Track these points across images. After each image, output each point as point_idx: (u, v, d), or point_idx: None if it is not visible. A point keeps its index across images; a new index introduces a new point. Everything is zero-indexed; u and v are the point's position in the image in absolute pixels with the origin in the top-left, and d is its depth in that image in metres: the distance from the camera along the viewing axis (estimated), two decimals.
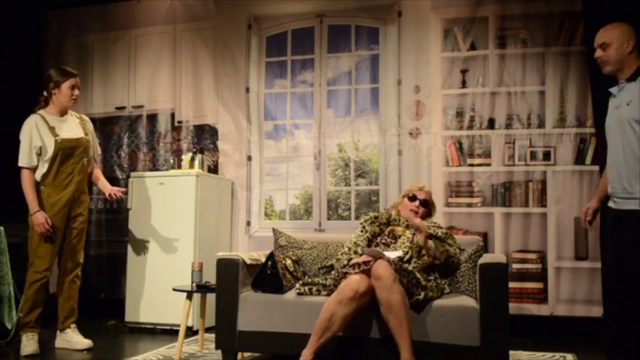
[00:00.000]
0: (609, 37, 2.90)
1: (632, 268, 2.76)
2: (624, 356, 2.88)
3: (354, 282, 2.89)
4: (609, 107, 2.99)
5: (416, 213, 3.42)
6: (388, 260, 2.94)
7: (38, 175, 3.83)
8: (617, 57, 2.88)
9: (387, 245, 3.34)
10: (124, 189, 4.22)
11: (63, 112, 3.94)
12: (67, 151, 3.84)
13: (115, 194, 4.08)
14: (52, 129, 3.83)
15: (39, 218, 3.73)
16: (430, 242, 3.23)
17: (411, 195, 3.51)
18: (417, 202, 3.46)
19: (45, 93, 3.92)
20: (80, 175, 3.91)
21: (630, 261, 2.77)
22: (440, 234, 3.34)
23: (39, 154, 3.80)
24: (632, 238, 2.75)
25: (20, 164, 3.80)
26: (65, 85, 3.87)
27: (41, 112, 3.90)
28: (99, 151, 4.28)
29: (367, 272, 2.92)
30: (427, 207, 3.50)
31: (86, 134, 3.99)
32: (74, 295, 3.95)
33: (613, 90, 2.97)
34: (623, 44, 2.87)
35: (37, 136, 3.80)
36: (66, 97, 3.88)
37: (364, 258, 3.07)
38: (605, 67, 2.96)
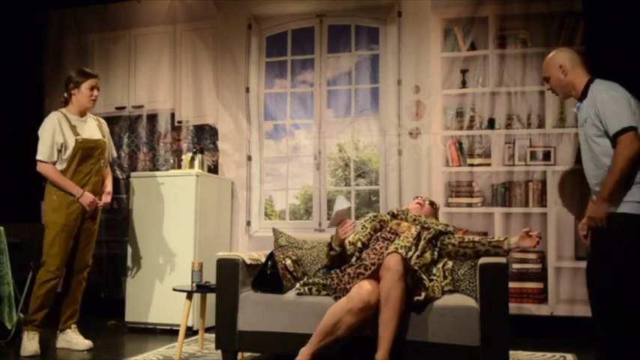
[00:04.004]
0: (547, 71, 3.12)
1: (610, 268, 2.87)
2: (606, 352, 2.95)
3: (366, 293, 2.84)
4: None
5: (421, 205, 3.68)
6: (402, 256, 2.91)
7: None
8: (558, 85, 3.09)
9: (387, 240, 3.36)
10: (105, 202, 4.03)
11: (82, 113, 3.96)
12: (86, 152, 3.86)
13: (99, 204, 3.94)
14: (73, 127, 3.85)
15: (88, 197, 3.79)
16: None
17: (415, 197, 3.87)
18: (422, 198, 3.79)
19: (65, 94, 3.95)
20: (97, 176, 3.93)
21: (609, 261, 2.88)
22: (441, 227, 3.43)
23: (59, 151, 3.80)
24: (611, 238, 2.87)
25: (40, 158, 3.77)
26: (85, 86, 3.89)
27: (62, 110, 3.92)
28: (114, 154, 4.28)
29: (375, 273, 2.91)
30: (433, 205, 3.76)
31: (103, 136, 4.01)
32: (79, 297, 3.96)
33: (574, 109, 3.12)
34: (557, 73, 3.05)
35: (60, 133, 3.80)
36: (85, 98, 3.90)
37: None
38: (557, 95, 3.18)
